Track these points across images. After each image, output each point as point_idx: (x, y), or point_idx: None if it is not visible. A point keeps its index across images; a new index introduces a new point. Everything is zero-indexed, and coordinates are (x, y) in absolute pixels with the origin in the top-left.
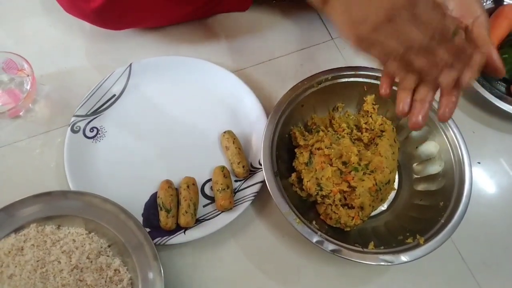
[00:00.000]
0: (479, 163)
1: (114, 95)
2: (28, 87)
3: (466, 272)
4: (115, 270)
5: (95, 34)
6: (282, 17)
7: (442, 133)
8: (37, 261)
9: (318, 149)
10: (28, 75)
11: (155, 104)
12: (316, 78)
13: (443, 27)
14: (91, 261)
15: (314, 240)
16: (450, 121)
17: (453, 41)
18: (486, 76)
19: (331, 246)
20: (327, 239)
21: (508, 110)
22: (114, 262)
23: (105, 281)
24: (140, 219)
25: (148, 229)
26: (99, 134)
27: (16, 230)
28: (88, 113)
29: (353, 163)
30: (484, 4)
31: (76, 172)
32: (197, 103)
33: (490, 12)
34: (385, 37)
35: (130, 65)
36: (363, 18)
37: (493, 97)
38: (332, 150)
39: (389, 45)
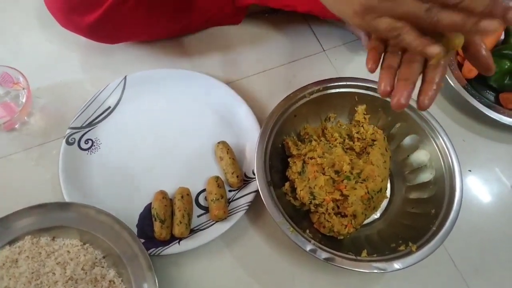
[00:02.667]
0: (470, 171)
1: (109, 107)
2: (24, 100)
3: (459, 279)
4: (110, 281)
5: (90, 47)
6: (275, 30)
7: (433, 141)
8: (32, 273)
9: (311, 158)
10: (23, 88)
11: (150, 116)
12: (308, 88)
13: None
14: (86, 273)
15: (308, 248)
16: (440, 130)
17: None
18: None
19: (324, 255)
20: (320, 248)
21: (497, 119)
22: (109, 273)
23: None
24: (135, 230)
25: (142, 240)
26: (94, 146)
27: (11, 242)
28: (83, 125)
29: (345, 172)
30: None
31: (71, 184)
32: (191, 114)
33: None
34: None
35: (125, 77)
36: None
37: (482, 105)
38: (325, 159)
39: (408, 6)
